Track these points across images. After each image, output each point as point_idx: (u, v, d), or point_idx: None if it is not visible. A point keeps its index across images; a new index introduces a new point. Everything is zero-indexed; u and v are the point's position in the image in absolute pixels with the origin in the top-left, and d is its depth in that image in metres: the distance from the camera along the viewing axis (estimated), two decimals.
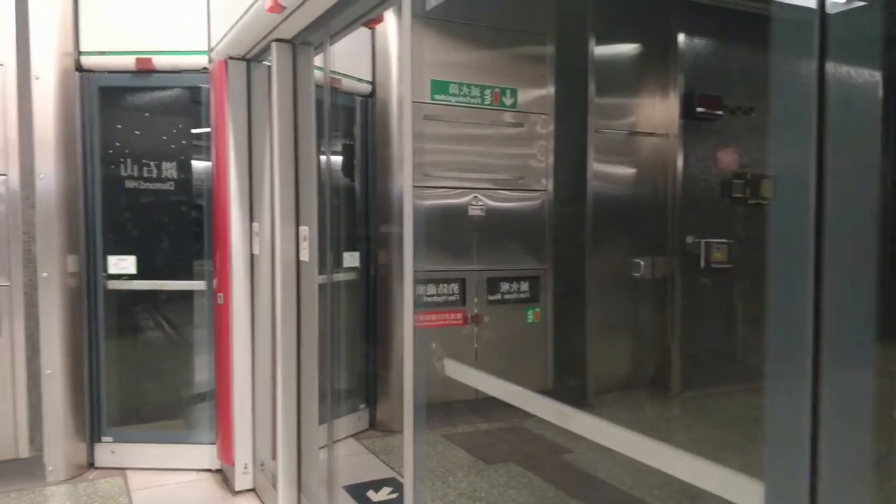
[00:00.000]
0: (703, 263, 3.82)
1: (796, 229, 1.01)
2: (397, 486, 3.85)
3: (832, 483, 1.02)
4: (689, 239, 3.87)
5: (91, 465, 4.07)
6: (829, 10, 0.94)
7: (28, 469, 3.79)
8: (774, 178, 1.07)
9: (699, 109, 3.78)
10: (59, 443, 3.84)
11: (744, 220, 3.88)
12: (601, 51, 4.08)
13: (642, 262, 4.00)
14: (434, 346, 2.24)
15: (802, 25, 0.98)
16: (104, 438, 4.08)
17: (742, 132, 3.84)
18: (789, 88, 1.01)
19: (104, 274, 4.02)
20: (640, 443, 1.43)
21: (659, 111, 4.02)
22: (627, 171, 4.17)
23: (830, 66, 0.95)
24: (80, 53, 3.91)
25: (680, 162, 3.87)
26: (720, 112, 3.82)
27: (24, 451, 3.76)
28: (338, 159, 4.62)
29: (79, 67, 3.93)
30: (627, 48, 4.18)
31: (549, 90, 4.45)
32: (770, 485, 1.13)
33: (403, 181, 2.15)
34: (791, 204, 1.04)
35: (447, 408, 4.29)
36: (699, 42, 3.94)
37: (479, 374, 2.04)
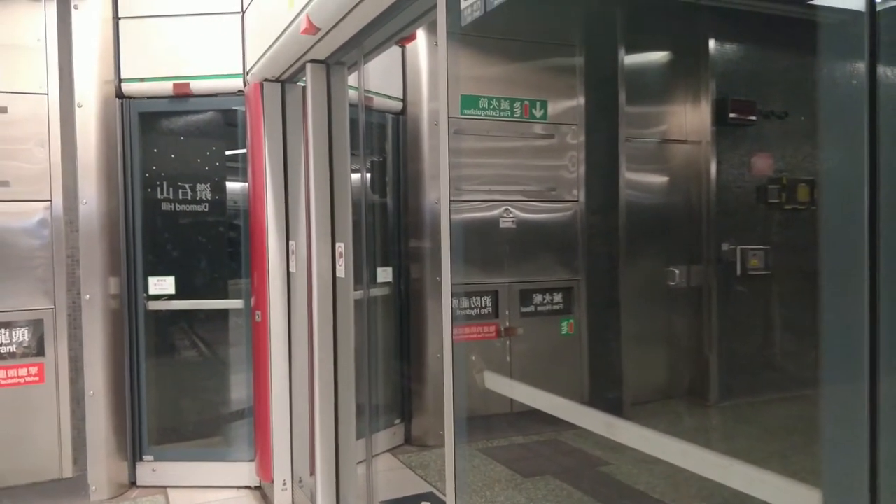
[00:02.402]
0: (739, 271, 3.76)
1: (849, 234, 1.00)
2: (435, 500, 3.85)
3: (894, 490, 1.00)
4: (725, 246, 3.81)
5: (133, 483, 4.13)
6: (879, 6, 0.93)
7: (72, 488, 3.86)
8: (824, 182, 1.06)
9: (732, 115, 3.72)
10: (102, 462, 3.91)
11: (780, 226, 3.82)
12: (631, 60, 4.07)
13: (677, 271, 3.95)
14: (474, 358, 2.24)
15: (851, 24, 0.98)
16: (146, 457, 4.14)
17: (777, 137, 3.79)
18: (838, 91, 1.01)
19: (145, 295, 4.10)
20: (690, 452, 1.41)
21: (691, 118, 3.98)
22: (660, 179, 4.13)
23: (882, 68, 0.94)
24: (120, 80, 4.03)
25: (713, 169, 3.82)
26: (754, 117, 3.77)
27: (69, 471, 3.84)
28: (370, 176, 4.67)
29: (119, 94, 4.04)
30: (657, 56, 4.16)
31: (579, 101, 4.45)
32: (828, 492, 1.11)
33: (440, 196, 2.17)
34: (843, 208, 1.03)
35: (482, 422, 4.28)
36: (730, 48, 3.91)
37: (521, 387, 2.04)
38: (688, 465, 1.45)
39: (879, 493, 1.01)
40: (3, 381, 3.69)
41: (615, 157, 4.04)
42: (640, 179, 4.10)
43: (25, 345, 3.74)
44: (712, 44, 3.83)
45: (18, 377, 3.72)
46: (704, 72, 3.86)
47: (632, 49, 4.06)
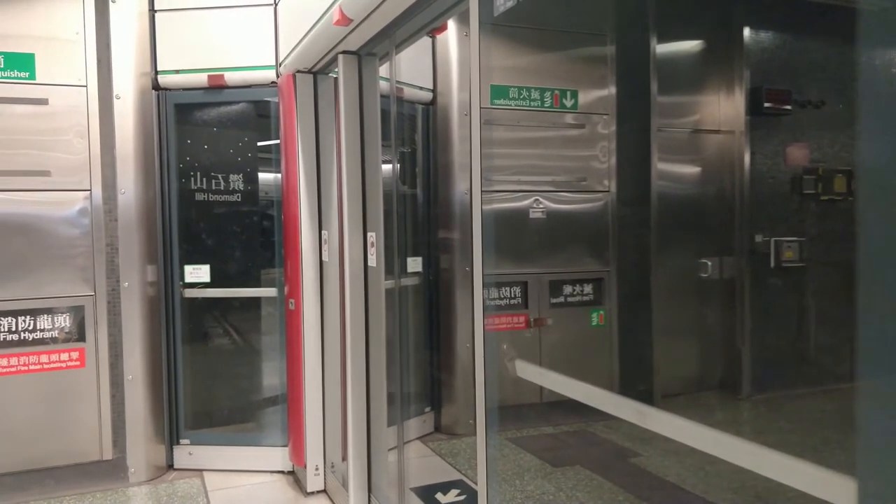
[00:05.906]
0: (773, 263, 3.71)
1: (887, 225, 1.00)
2: (465, 488, 3.88)
3: None
4: (759, 238, 3.76)
5: (170, 466, 4.24)
6: None
7: (112, 470, 3.97)
8: (861, 172, 1.05)
9: (767, 105, 3.66)
10: (141, 445, 4.01)
11: (816, 218, 3.75)
12: (663, 49, 4.02)
13: (710, 263, 3.91)
14: (505, 347, 2.26)
15: (892, 11, 0.97)
16: (182, 441, 4.24)
17: (813, 127, 3.72)
18: (878, 79, 1.00)
19: (181, 283, 4.19)
20: (724, 441, 1.41)
21: (724, 108, 3.92)
22: (692, 169, 4.09)
23: None
24: (156, 72, 4.10)
25: (747, 159, 3.77)
26: (789, 107, 3.71)
27: (108, 454, 3.95)
28: (401, 166, 4.70)
29: (156, 86, 4.12)
30: (690, 45, 4.10)
31: (611, 90, 4.42)
32: (863, 482, 1.11)
33: (471, 186, 2.19)
34: (881, 199, 1.02)
35: (512, 411, 4.29)
36: (765, 36, 3.84)
37: (552, 374, 2.05)
38: (719, 453, 1.45)
39: None
40: (46, 366, 3.81)
41: (647, 148, 4.00)
42: (672, 170, 4.06)
43: (67, 330, 3.85)
44: (747, 32, 3.77)
45: (60, 361, 3.84)
46: (739, 60, 3.80)
47: (664, 38, 4.01)
